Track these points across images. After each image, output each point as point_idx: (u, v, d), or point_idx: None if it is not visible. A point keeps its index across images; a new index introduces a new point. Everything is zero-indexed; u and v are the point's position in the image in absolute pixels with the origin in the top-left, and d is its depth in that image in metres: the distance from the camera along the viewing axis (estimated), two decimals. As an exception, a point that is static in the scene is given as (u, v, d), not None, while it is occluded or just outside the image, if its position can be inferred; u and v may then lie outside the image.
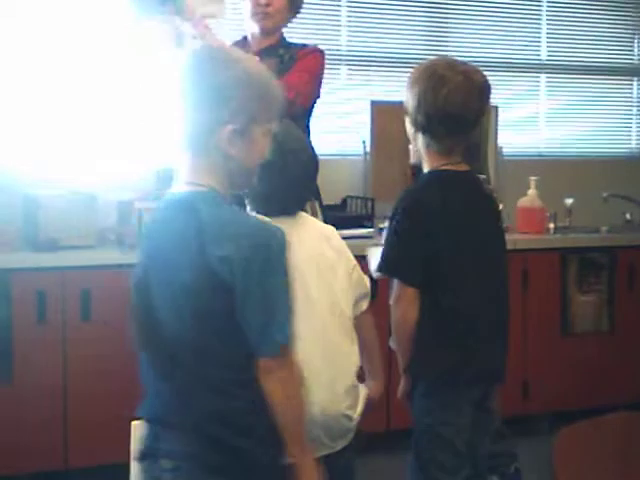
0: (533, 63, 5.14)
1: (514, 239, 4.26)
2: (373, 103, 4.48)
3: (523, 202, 4.51)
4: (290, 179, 2.35)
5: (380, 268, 2.49)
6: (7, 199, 3.69)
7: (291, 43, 3.61)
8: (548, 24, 5.14)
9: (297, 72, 3.44)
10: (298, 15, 3.64)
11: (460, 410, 2.49)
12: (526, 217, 4.48)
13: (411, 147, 2.60)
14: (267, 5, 3.45)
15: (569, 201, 4.73)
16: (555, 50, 5.18)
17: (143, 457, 2.01)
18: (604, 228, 4.71)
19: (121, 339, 3.55)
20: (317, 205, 3.70)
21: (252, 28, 3.49)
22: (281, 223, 2.29)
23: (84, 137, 4.05)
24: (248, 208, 2.40)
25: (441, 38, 4.90)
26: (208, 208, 1.85)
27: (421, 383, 2.50)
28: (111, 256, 3.64)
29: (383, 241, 2.52)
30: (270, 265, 1.82)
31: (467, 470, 2.53)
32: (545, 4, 5.12)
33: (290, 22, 3.62)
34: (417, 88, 2.44)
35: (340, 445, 2.39)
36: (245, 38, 3.54)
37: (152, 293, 1.92)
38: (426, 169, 2.53)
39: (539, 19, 5.13)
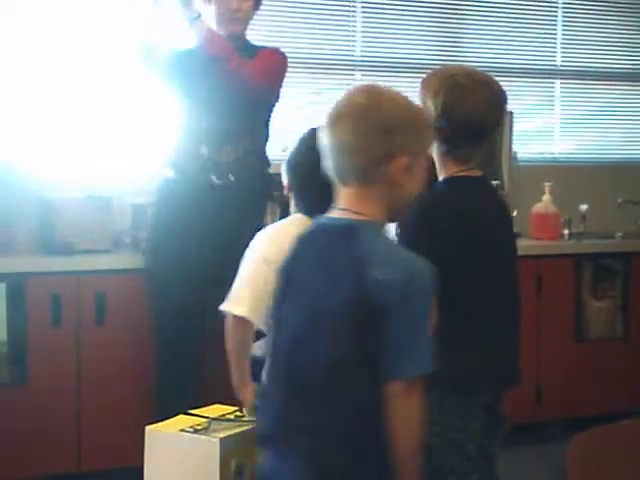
0: (548, 69, 5.13)
1: (528, 245, 4.26)
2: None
3: (537, 208, 4.51)
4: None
5: None
6: (22, 202, 3.70)
7: (254, 45, 3.64)
8: (563, 30, 5.13)
9: (259, 62, 3.52)
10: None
11: (472, 415, 2.48)
12: (540, 223, 4.48)
13: None
14: (237, 10, 3.48)
15: (583, 207, 4.72)
16: (570, 56, 5.17)
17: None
18: (618, 234, 4.70)
19: (135, 343, 3.60)
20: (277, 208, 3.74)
21: (219, 30, 3.50)
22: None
23: (99, 140, 4.06)
24: (294, 209, 2.50)
25: (455, 44, 4.90)
26: (369, 235, 1.94)
27: (433, 388, 2.49)
28: (126, 260, 3.66)
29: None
30: (423, 294, 1.92)
31: (477, 475, 2.53)
32: (560, 10, 5.11)
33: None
34: (440, 98, 2.43)
35: None
36: None
37: (288, 310, 2.00)
38: (441, 176, 2.53)
39: (554, 25, 5.11)
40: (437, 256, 2.38)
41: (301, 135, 2.52)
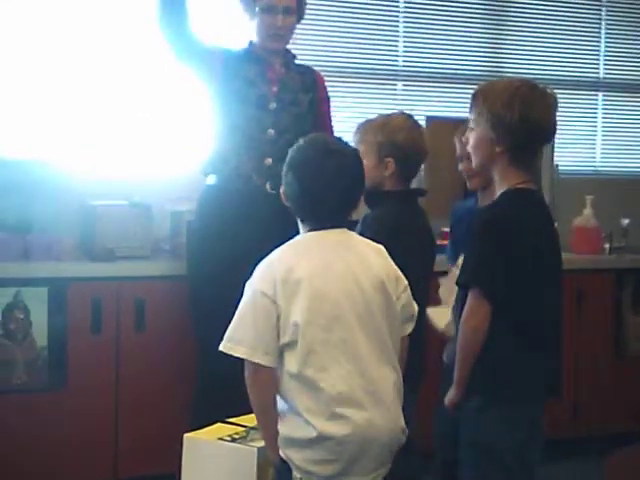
0: (591, 81, 5.10)
1: (569, 259, 4.19)
2: (429, 119, 4.47)
3: (578, 221, 4.47)
4: (343, 188, 2.31)
5: (466, 281, 2.50)
6: (65, 209, 3.74)
7: (294, 56, 3.65)
8: (606, 42, 5.10)
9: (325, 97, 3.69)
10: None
11: (517, 425, 2.50)
12: (581, 237, 4.44)
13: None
14: (281, 27, 3.48)
15: (625, 221, 4.67)
16: (613, 68, 5.14)
17: None
18: (661, 249, 4.66)
19: (174, 350, 3.61)
20: None
21: (264, 44, 3.51)
22: (336, 246, 2.30)
23: (140, 147, 4.10)
24: (301, 222, 2.37)
25: (497, 55, 4.88)
26: None
27: (480, 397, 2.50)
28: (166, 267, 3.67)
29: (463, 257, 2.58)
30: None
31: None
32: (604, 22, 5.08)
33: None
34: (516, 103, 2.49)
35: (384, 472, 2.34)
36: (251, 43, 3.57)
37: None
38: (504, 187, 2.55)
39: (598, 37, 5.08)
40: (508, 268, 2.44)
41: (296, 144, 2.38)
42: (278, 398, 2.27)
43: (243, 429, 2.62)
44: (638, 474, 3.47)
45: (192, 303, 3.52)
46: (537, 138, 2.55)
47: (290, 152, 2.37)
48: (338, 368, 2.21)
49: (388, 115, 3.07)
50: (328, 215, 2.32)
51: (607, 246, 4.51)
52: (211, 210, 3.50)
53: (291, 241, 2.33)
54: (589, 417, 4.26)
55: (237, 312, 2.26)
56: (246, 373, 2.25)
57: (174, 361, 3.61)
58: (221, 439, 2.57)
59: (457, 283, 2.57)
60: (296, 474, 2.24)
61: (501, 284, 2.44)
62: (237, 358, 2.26)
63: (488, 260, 2.47)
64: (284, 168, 2.38)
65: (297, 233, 2.37)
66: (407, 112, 3.13)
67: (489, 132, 2.52)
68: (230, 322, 2.28)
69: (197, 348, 3.51)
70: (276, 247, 2.33)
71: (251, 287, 2.26)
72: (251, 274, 3.22)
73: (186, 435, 2.63)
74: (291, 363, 2.22)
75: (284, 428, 2.25)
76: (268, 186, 3.43)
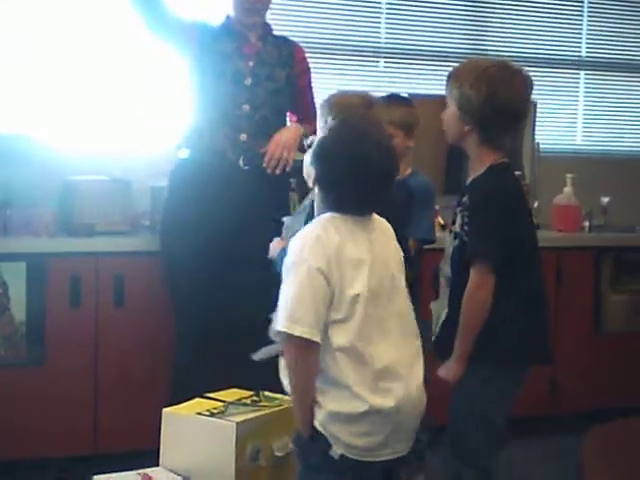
0: (573, 60, 5.10)
1: (548, 237, 4.25)
2: (411, 96, 4.46)
3: (559, 199, 4.48)
4: (379, 178, 2.26)
5: (476, 255, 2.51)
6: (44, 184, 3.71)
7: (273, 31, 3.62)
8: (589, 21, 5.10)
9: (305, 69, 3.65)
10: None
11: (512, 395, 2.58)
12: (561, 215, 4.46)
13: None
14: (257, 1, 3.47)
15: (605, 199, 4.69)
16: (595, 47, 5.14)
17: None
18: (640, 227, 4.68)
19: (153, 325, 3.61)
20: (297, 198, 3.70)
21: (241, 18, 3.50)
22: (365, 224, 2.27)
23: (120, 123, 4.08)
24: (321, 206, 2.30)
25: (481, 33, 4.87)
26: None
27: (481, 368, 2.52)
28: (145, 242, 3.66)
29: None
30: None
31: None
32: (586, 1, 5.08)
33: None
34: (483, 85, 2.53)
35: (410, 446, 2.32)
36: (228, 17, 3.55)
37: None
38: (484, 165, 2.60)
39: (580, 15, 5.08)
40: (508, 240, 2.51)
41: (332, 124, 2.37)
42: None
43: (222, 404, 2.63)
44: (616, 451, 3.49)
45: (167, 275, 3.52)
46: (504, 118, 2.56)
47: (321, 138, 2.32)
48: (378, 343, 2.20)
49: (343, 93, 2.97)
50: (359, 195, 2.24)
51: (587, 224, 4.53)
52: (183, 184, 3.50)
53: (325, 218, 2.25)
54: (568, 394, 4.29)
55: (291, 289, 2.14)
56: (293, 352, 2.15)
57: (153, 336, 3.61)
58: (200, 414, 2.58)
59: (462, 259, 2.57)
60: (336, 449, 2.17)
61: (504, 256, 2.50)
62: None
63: (489, 234, 2.51)
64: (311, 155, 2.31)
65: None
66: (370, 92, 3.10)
67: (458, 111, 2.59)
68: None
69: (176, 324, 3.52)
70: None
71: (304, 264, 2.14)
72: (224, 248, 3.18)
73: (165, 410, 2.63)
74: (340, 337, 2.16)
75: (328, 403, 2.17)
76: (241, 161, 3.43)
